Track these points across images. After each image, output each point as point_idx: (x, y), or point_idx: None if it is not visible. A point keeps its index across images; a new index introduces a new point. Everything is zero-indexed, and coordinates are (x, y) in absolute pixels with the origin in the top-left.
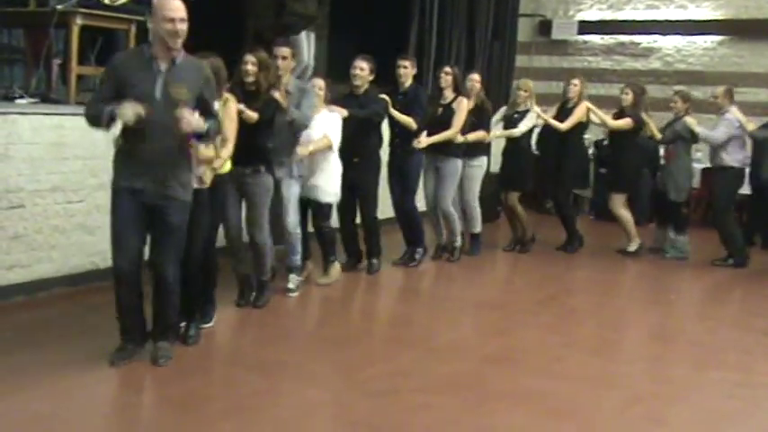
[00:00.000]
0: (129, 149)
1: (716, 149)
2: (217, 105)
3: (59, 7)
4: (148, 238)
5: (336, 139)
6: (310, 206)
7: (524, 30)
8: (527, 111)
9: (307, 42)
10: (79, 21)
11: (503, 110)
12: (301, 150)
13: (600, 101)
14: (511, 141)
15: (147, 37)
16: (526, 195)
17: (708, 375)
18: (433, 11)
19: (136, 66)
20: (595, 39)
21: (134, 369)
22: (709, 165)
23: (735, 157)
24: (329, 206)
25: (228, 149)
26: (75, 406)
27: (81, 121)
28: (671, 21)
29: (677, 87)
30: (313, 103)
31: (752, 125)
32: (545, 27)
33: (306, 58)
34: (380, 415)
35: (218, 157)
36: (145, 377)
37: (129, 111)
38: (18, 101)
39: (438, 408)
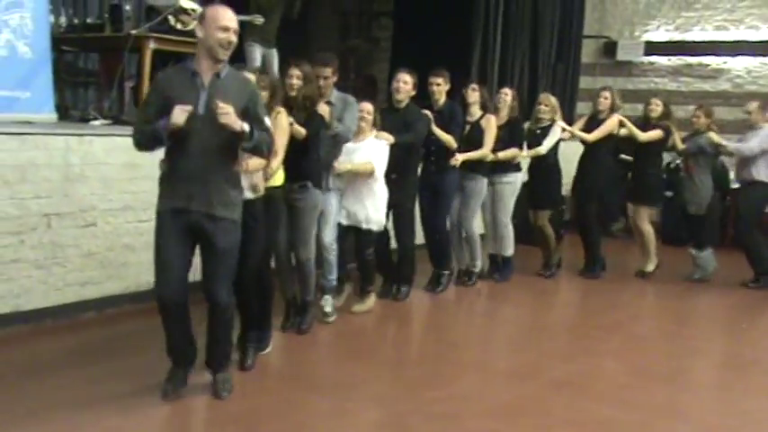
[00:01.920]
0: (172, 167)
1: (745, 164)
2: (268, 120)
3: (134, 32)
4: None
5: (381, 167)
6: (354, 233)
7: (588, 51)
8: (550, 126)
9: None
10: (152, 45)
11: (525, 125)
12: (339, 165)
13: None
14: (537, 158)
15: None
16: (557, 214)
17: None
18: (497, 32)
19: (178, 81)
20: (662, 60)
21: (197, 388)
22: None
23: (765, 173)
24: (374, 234)
25: (278, 161)
26: (142, 421)
27: None
28: (741, 41)
29: (700, 103)
30: (355, 116)
31: None
32: (610, 48)
33: (276, 74)
34: None
35: (269, 167)
36: (208, 396)
37: (178, 111)
38: (93, 122)
39: None
